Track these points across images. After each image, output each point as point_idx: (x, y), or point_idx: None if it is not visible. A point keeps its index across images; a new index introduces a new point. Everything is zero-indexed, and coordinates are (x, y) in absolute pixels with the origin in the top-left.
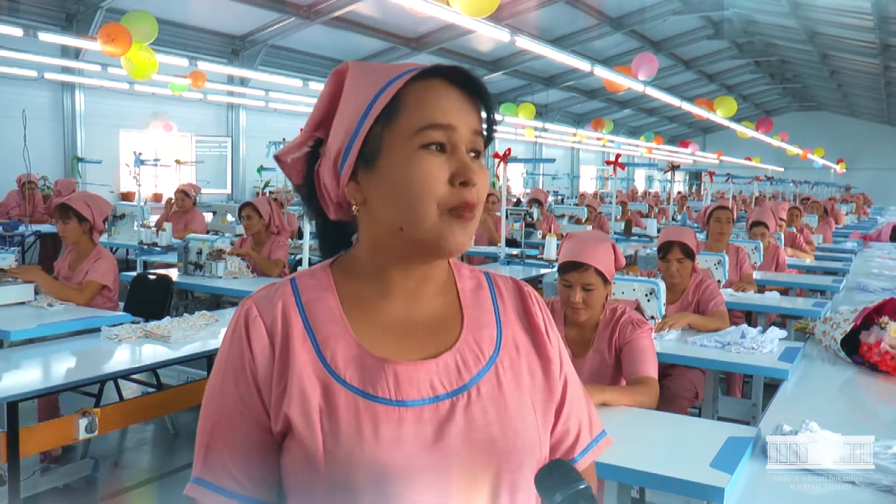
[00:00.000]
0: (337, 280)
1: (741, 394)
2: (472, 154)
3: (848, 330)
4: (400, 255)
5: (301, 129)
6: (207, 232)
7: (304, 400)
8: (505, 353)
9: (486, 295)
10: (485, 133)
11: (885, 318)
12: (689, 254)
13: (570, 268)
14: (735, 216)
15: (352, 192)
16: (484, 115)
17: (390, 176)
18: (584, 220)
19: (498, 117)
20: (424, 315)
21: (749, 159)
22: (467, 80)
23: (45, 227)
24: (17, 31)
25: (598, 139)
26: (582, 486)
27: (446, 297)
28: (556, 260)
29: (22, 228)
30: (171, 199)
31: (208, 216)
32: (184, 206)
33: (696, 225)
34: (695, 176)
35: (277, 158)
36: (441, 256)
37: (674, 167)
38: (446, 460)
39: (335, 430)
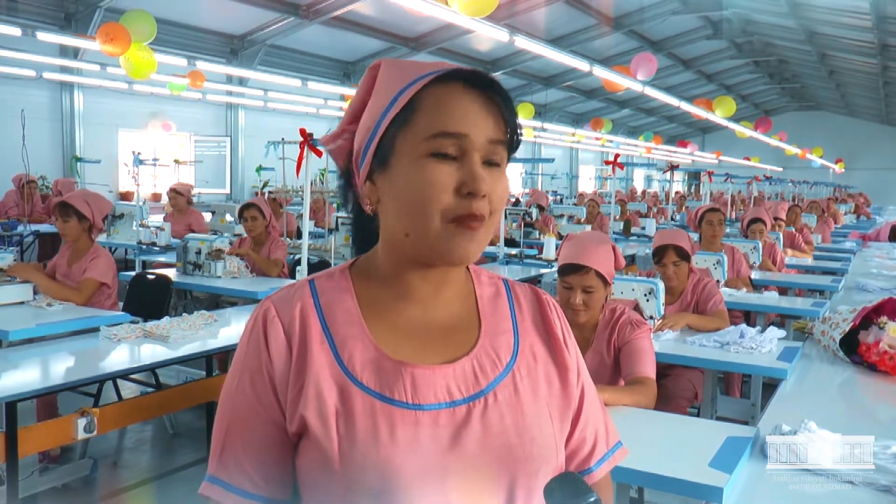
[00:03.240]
0: (356, 282)
1: (740, 393)
2: (490, 163)
3: (847, 330)
4: (413, 258)
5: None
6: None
7: (320, 402)
8: (522, 361)
9: (503, 303)
10: (507, 140)
11: (883, 318)
12: (684, 256)
13: (570, 270)
14: (734, 216)
15: (368, 191)
16: (506, 122)
17: (399, 180)
18: (583, 219)
19: None
20: (442, 319)
21: (748, 159)
22: (488, 85)
23: (44, 227)
24: (16, 31)
25: (597, 139)
26: (592, 499)
27: (464, 303)
28: (555, 260)
29: (21, 228)
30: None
31: (207, 216)
32: (177, 204)
33: None
34: (694, 176)
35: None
36: (447, 264)
37: (673, 167)
38: (462, 465)
39: (351, 433)
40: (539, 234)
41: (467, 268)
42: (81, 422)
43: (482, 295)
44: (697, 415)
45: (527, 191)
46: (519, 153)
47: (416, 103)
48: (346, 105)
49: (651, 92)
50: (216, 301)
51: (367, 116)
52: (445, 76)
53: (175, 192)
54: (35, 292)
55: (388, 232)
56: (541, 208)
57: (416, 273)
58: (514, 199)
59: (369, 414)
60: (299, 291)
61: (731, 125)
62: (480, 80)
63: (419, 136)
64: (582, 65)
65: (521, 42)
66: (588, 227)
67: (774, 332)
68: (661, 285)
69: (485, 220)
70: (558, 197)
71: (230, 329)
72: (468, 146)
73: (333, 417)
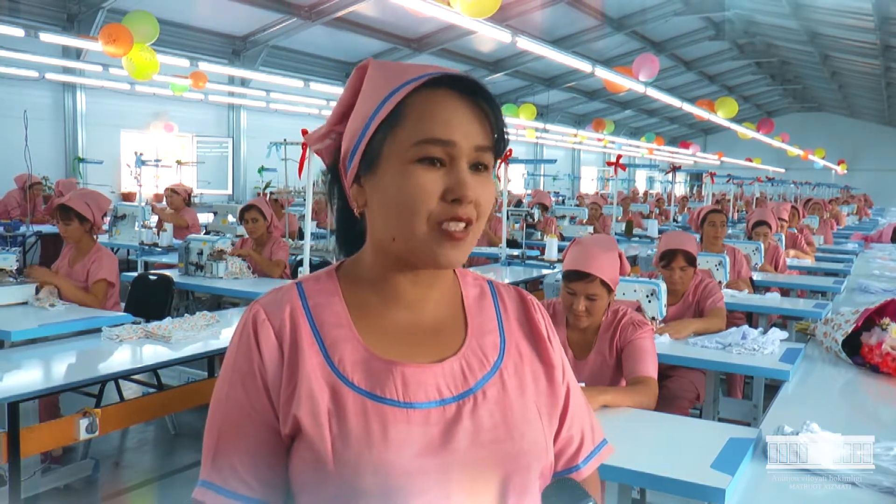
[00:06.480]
0: (343, 285)
1: (742, 395)
2: (478, 168)
3: (849, 331)
4: (400, 262)
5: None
6: (207, 232)
7: (312, 402)
8: (509, 360)
9: (489, 303)
10: (494, 145)
11: (886, 320)
12: (691, 261)
13: (575, 276)
14: (736, 217)
15: (355, 194)
16: (492, 127)
17: (386, 185)
18: (585, 220)
19: None
20: (429, 321)
21: (750, 160)
22: (476, 90)
23: (46, 228)
24: (19, 32)
25: (599, 140)
26: None
27: (451, 304)
28: (557, 261)
29: (23, 229)
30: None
31: (209, 216)
32: (173, 203)
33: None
34: (696, 177)
35: (309, 143)
36: (434, 268)
37: (675, 168)
38: (454, 462)
39: (344, 432)
40: (541, 235)
41: (454, 270)
42: (83, 422)
43: (468, 296)
44: (699, 416)
45: (529, 191)
46: (521, 154)
47: (403, 108)
48: None
49: (653, 93)
50: (218, 302)
51: (355, 119)
52: (433, 81)
53: (172, 192)
54: (37, 292)
55: (376, 235)
56: (544, 208)
57: (404, 276)
58: (516, 200)
59: (361, 413)
60: (288, 294)
61: (734, 126)
62: (467, 86)
63: (406, 141)
64: (584, 66)
65: (524, 43)
66: (590, 229)
67: (776, 334)
68: (664, 286)
69: (471, 224)
70: (560, 198)
71: (232, 330)
72: (456, 153)
73: (326, 417)
